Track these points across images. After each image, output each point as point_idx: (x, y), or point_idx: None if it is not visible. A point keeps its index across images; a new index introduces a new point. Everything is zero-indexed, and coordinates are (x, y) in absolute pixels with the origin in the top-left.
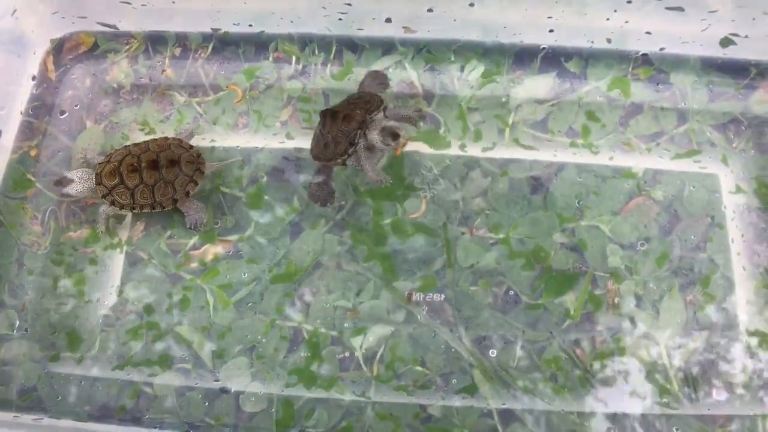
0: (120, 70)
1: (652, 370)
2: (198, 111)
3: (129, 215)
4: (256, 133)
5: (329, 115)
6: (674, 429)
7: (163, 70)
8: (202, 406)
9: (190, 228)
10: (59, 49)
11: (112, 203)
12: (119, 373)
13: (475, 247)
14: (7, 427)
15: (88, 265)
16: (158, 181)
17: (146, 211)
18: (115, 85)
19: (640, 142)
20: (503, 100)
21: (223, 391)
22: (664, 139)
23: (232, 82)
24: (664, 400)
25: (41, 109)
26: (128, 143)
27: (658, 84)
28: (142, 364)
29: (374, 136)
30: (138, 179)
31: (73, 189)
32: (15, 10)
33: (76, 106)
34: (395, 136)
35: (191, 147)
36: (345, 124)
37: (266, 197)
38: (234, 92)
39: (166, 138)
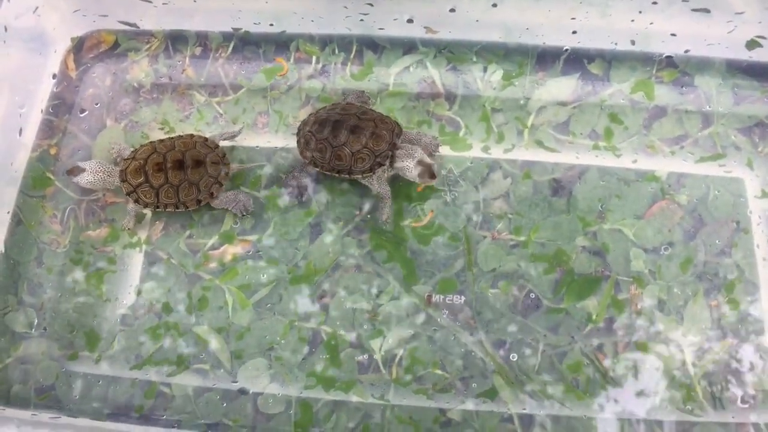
0: (140, 68)
1: (675, 377)
2: (218, 110)
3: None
4: (276, 133)
5: (347, 128)
6: None
7: (184, 70)
8: (220, 407)
9: (242, 215)
10: (80, 47)
11: (136, 201)
12: (137, 373)
13: (496, 250)
14: (25, 425)
15: (107, 264)
16: (183, 182)
17: (170, 210)
18: (135, 84)
19: (664, 145)
20: (521, 102)
21: (242, 392)
22: (689, 143)
23: (252, 81)
24: (688, 407)
25: (61, 108)
26: (153, 140)
27: (682, 87)
28: (160, 363)
29: (407, 165)
30: (163, 179)
31: (83, 179)
32: (37, 8)
33: (97, 104)
34: (432, 175)
35: (217, 146)
36: (374, 142)
37: (286, 198)
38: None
39: (192, 135)
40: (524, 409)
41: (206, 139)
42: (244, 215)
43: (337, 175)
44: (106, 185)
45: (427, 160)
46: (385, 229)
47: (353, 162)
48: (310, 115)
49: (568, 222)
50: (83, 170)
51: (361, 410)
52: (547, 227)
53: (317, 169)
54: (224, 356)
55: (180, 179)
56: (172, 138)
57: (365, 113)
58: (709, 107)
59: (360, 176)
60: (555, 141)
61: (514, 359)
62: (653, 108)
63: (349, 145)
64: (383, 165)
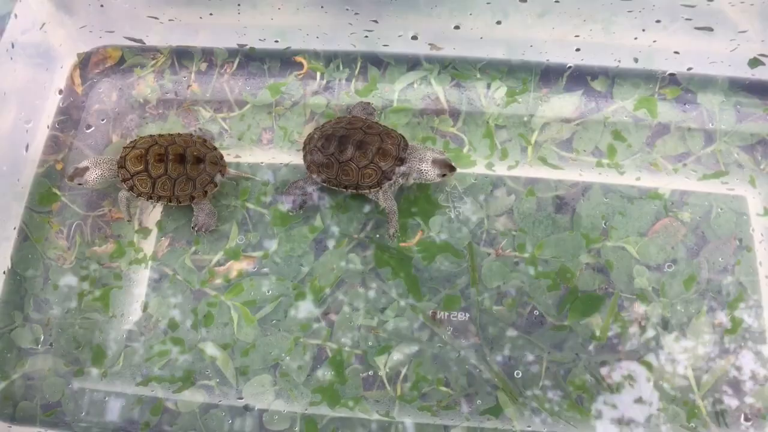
0: (146, 84)
1: (679, 394)
2: (223, 126)
3: (155, 231)
4: (281, 149)
5: (353, 144)
6: None
7: (189, 85)
8: (226, 424)
9: (194, 228)
10: (86, 63)
11: (131, 189)
12: (143, 389)
13: (500, 267)
14: None
15: (113, 280)
16: (181, 176)
17: (162, 202)
18: (141, 100)
19: (667, 162)
20: (525, 119)
21: (247, 408)
22: (691, 160)
23: (257, 98)
24: (692, 424)
25: (67, 123)
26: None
27: (685, 104)
28: (166, 380)
29: (423, 168)
30: (163, 170)
31: (91, 176)
32: (43, 24)
33: (102, 120)
34: (451, 167)
35: (215, 148)
36: (380, 158)
37: (291, 214)
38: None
39: (191, 134)
40: (528, 426)
41: (206, 140)
42: (194, 229)
43: (344, 189)
44: (112, 176)
45: (440, 155)
46: (391, 245)
47: (360, 177)
48: (315, 129)
49: (571, 239)
50: (86, 168)
51: (366, 427)
52: (551, 244)
53: (324, 184)
54: (229, 372)
55: (179, 173)
56: (172, 134)
57: (371, 127)
58: (712, 125)
59: (367, 191)
60: (558, 158)
61: (519, 376)
62: (656, 125)
63: (355, 160)
64: (390, 180)
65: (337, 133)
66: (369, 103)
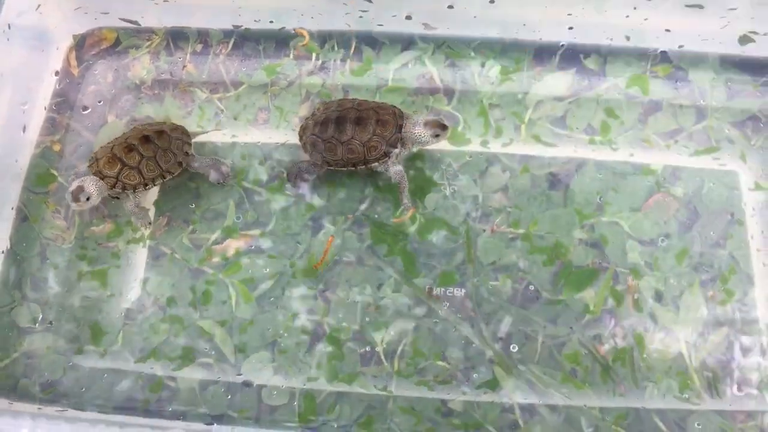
0: (142, 66)
1: (672, 366)
2: (219, 107)
3: (152, 211)
4: (276, 129)
5: (351, 122)
6: (696, 424)
7: (184, 66)
8: (225, 400)
9: (219, 183)
10: (81, 44)
11: (124, 188)
12: (142, 366)
13: (495, 244)
14: (38, 418)
15: (111, 259)
16: (157, 150)
17: (158, 182)
18: (137, 81)
19: (659, 139)
20: (519, 97)
21: (246, 384)
22: (683, 136)
23: (252, 78)
24: (685, 395)
25: (64, 105)
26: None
27: (676, 81)
28: (165, 357)
29: (419, 131)
30: (138, 156)
31: (90, 189)
32: (39, 5)
33: (99, 101)
34: (443, 126)
35: (163, 122)
36: (381, 128)
37: (287, 193)
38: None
39: (139, 125)
40: (525, 398)
41: (151, 123)
42: (220, 183)
43: (353, 168)
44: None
45: (431, 116)
46: (385, 222)
47: (367, 151)
48: (306, 119)
49: (565, 215)
50: (81, 187)
51: (364, 401)
52: (546, 220)
53: (332, 168)
54: (228, 349)
55: (153, 150)
56: (123, 133)
57: (361, 104)
58: (703, 101)
59: (377, 164)
60: (552, 135)
61: (515, 350)
62: (648, 102)
63: (358, 136)
64: (395, 148)
65: (332, 116)
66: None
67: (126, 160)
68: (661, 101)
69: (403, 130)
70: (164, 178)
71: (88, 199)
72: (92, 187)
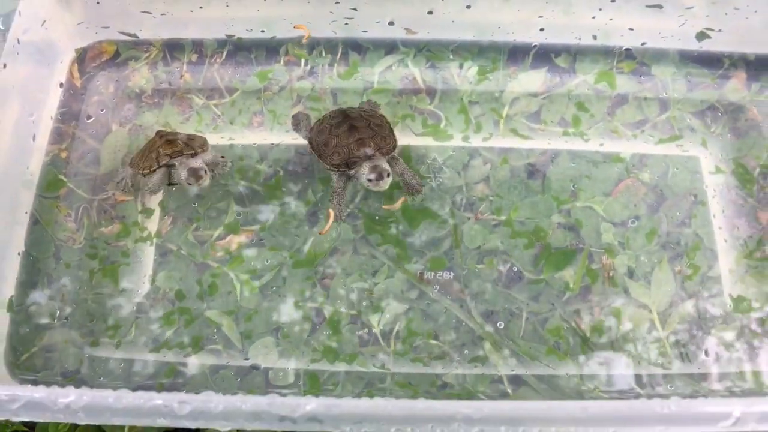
0: (141, 76)
1: (646, 335)
2: (215, 112)
3: (158, 211)
4: (271, 131)
5: (350, 127)
6: (668, 386)
7: (182, 75)
8: (235, 382)
9: (188, 183)
10: (83, 57)
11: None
12: (155, 355)
13: (480, 230)
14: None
15: (120, 258)
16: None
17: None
18: (137, 90)
19: (627, 129)
20: (496, 95)
21: (254, 367)
22: (648, 126)
23: (246, 84)
24: (659, 361)
25: (69, 115)
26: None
27: (641, 76)
28: (176, 346)
29: (364, 169)
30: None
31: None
32: (44, 21)
33: (102, 110)
34: (379, 175)
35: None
36: (356, 147)
37: (284, 189)
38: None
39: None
40: (512, 370)
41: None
42: (190, 184)
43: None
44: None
45: (384, 165)
46: (377, 214)
47: (330, 152)
48: (345, 107)
49: (543, 201)
50: (203, 167)
51: (364, 378)
52: (525, 207)
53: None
54: (235, 336)
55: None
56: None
57: (372, 116)
58: (666, 94)
59: (327, 166)
60: (528, 129)
61: (501, 327)
62: (615, 96)
63: (340, 138)
64: (348, 168)
65: (352, 113)
66: (371, 101)
67: (173, 141)
68: (627, 94)
69: (365, 163)
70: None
71: (205, 172)
72: (198, 161)
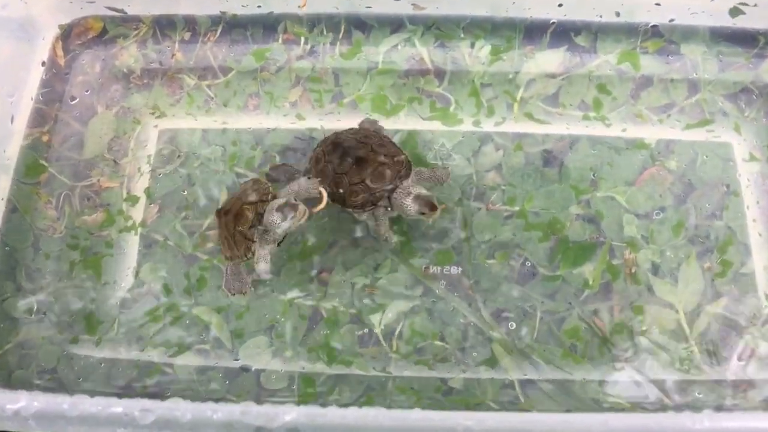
0: (129, 54)
1: (672, 338)
2: (208, 94)
3: (143, 199)
4: (267, 115)
5: (352, 156)
6: (696, 394)
7: (173, 54)
8: (224, 385)
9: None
10: (68, 34)
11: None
12: (139, 354)
13: (491, 221)
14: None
15: (104, 248)
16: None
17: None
18: (125, 70)
19: (652, 113)
20: (510, 76)
21: (244, 369)
22: (676, 110)
23: (242, 64)
24: (685, 366)
25: (51, 95)
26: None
27: (668, 55)
28: (162, 345)
29: (407, 202)
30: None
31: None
32: None
33: (87, 91)
34: (432, 206)
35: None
36: (375, 179)
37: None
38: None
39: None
40: (525, 375)
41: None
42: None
43: (334, 203)
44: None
45: (425, 192)
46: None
47: (348, 194)
48: (332, 134)
49: (560, 191)
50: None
51: (363, 382)
52: (541, 197)
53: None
54: (224, 335)
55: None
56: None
57: (381, 143)
58: (695, 75)
59: (351, 210)
60: (545, 113)
61: (513, 327)
62: (640, 77)
63: (349, 175)
64: (376, 206)
65: (345, 141)
66: (372, 119)
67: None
68: (652, 76)
69: (394, 194)
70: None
71: (296, 199)
72: (280, 199)
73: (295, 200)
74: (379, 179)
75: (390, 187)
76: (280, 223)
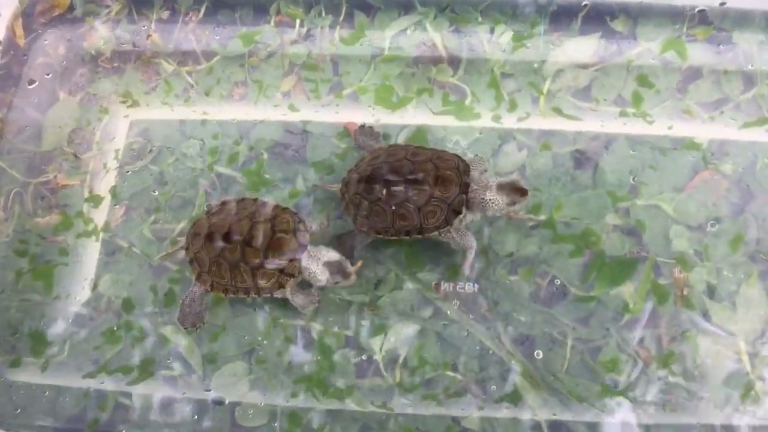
0: (99, 35)
1: (731, 373)
2: (188, 81)
3: (108, 199)
4: (255, 105)
5: (402, 182)
6: None
7: (149, 36)
8: (191, 421)
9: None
10: (30, 12)
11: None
12: (91, 382)
13: (513, 232)
14: None
15: (57, 256)
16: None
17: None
18: (93, 52)
19: (702, 109)
20: (535, 66)
21: (216, 402)
22: (730, 107)
23: (227, 48)
24: (748, 408)
25: (7, 79)
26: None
27: (719, 44)
28: (119, 370)
29: (491, 196)
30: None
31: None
32: None
33: (48, 75)
34: (521, 191)
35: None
36: (442, 188)
37: (267, 176)
38: None
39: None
40: (553, 414)
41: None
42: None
43: (406, 237)
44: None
45: (505, 179)
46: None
47: (423, 218)
48: (350, 172)
49: (595, 198)
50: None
51: (359, 420)
52: (572, 204)
53: (380, 236)
54: (195, 360)
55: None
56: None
57: (416, 153)
58: (751, 67)
59: (436, 233)
60: (575, 108)
61: (539, 357)
62: (687, 69)
63: (412, 199)
64: (460, 214)
65: (380, 170)
66: (364, 125)
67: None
68: (701, 67)
69: (469, 192)
70: None
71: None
72: (336, 254)
73: (348, 267)
74: (448, 185)
75: (462, 187)
76: (321, 278)
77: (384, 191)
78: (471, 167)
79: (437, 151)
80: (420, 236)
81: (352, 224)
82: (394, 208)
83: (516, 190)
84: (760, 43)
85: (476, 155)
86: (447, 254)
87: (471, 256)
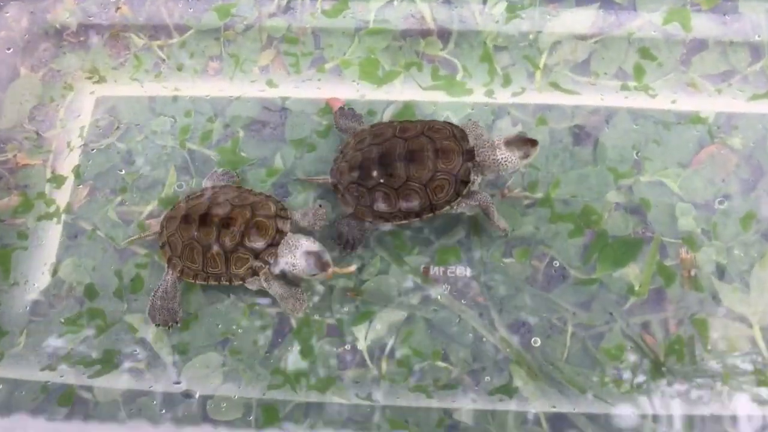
0: (64, 7)
1: (743, 359)
2: (160, 56)
3: (71, 179)
4: (231, 81)
5: (400, 159)
6: None
7: (118, 8)
8: (158, 415)
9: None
10: None
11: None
12: (50, 374)
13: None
14: None
15: (16, 239)
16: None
17: None
18: (57, 26)
19: (708, 82)
20: (531, 38)
21: (186, 395)
22: (737, 79)
23: (202, 21)
24: (764, 396)
25: None
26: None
27: (725, 14)
28: (81, 362)
29: (502, 155)
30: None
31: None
32: None
33: (8, 49)
34: (531, 141)
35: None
36: (444, 160)
37: (243, 155)
38: None
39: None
40: (553, 406)
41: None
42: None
43: (416, 218)
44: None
45: (511, 135)
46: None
47: (431, 194)
48: (337, 160)
49: (596, 174)
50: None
51: (342, 414)
52: (571, 182)
53: (388, 222)
54: (164, 351)
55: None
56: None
57: (405, 129)
58: (759, 37)
59: (448, 207)
60: (573, 82)
61: (537, 345)
62: (692, 40)
63: (415, 177)
64: (469, 182)
65: (371, 153)
66: (342, 107)
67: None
68: (707, 38)
69: (478, 156)
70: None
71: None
72: (316, 244)
73: (328, 259)
74: (449, 155)
75: (466, 155)
76: (299, 269)
77: (383, 174)
78: (467, 132)
79: (426, 122)
80: (432, 214)
81: (345, 216)
82: (398, 190)
83: (526, 142)
84: (767, 12)
85: (469, 120)
86: (437, 236)
87: (494, 211)
